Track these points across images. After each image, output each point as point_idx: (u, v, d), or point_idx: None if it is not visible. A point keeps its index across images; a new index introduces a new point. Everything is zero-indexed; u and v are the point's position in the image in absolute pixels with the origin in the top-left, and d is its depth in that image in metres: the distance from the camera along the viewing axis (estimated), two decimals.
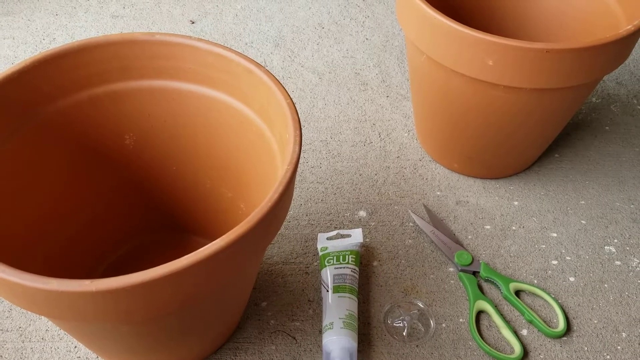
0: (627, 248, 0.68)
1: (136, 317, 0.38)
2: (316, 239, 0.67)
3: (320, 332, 0.59)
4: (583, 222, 0.71)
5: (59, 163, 0.53)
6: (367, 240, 0.67)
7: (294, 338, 0.59)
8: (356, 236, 0.64)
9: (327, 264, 0.61)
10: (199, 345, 0.53)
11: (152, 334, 0.46)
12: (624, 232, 0.70)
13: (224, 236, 0.37)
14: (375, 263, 0.65)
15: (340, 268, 0.61)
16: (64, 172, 0.54)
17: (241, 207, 0.57)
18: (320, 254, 0.63)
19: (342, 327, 0.55)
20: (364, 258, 0.66)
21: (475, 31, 0.55)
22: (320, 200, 0.72)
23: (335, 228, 0.69)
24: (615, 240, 0.69)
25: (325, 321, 0.57)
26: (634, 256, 0.67)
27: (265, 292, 0.62)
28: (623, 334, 0.60)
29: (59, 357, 0.56)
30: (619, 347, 0.59)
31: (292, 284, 0.63)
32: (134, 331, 0.45)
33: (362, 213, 0.70)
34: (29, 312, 0.59)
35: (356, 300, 0.59)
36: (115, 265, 0.62)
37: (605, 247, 0.68)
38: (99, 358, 0.56)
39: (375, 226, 0.69)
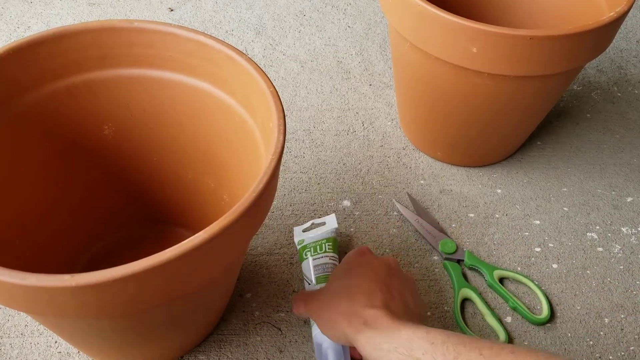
0: (609, 234, 0.69)
1: (118, 311, 0.37)
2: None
3: (306, 322, 0.58)
4: (565, 209, 0.71)
5: (36, 155, 0.51)
6: (352, 229, 0.67)
7: (279, 329, 0.58)
8: (330, 223, 0.63)
9: (305, 256, 0.60)
10: (182, 338, 0.52)
11: (134, 328, 0.45)
12: (605, 218, 0.70)
13: (207, 228, 0.36)
14: None
15: (319, 258, 0.59)
16: (41, 165, 0.52)
17: (224, 197, 0.57)
18: (298, 247, 0.62)
19: None
20: (349, 247, 0.65)
21: (460, 18, 0.55)
22: (303, 190, 0.71)
23: (320, 218, 0.68)
24: (597, 227, 0.69)
25: None
26: (616, 242, 0.68)
27: (249, 283, 0.62)
28: (605, 319, 0.61)
29: (39, 353, 0.55)
30: (601, 333, 0.60)
31: (277, 275, 0.62)
32: (116, 325, 0.44)
33: (346, 203, 0.70)
34: (7, 308, 0.58)
35: None
36: (94, 259, 0.60)
37: (588, 233, 0.69)
38: (80, 353, 0.55)
39: (359, 216, 0.69)
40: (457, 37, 0.56)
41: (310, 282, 0.58)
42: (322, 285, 0.57)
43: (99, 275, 0.33)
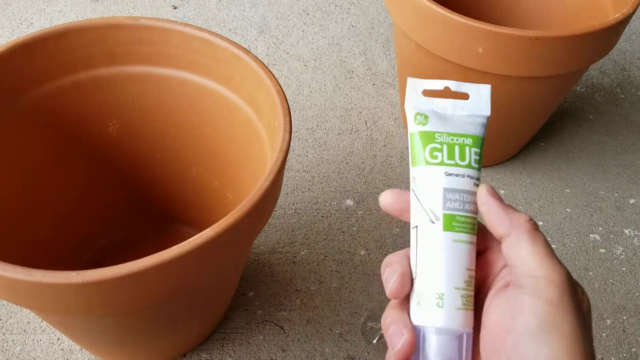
0: (612, 236, 0.69)
1: (123, 308, 0.37)
2: (303, 227, 0.66)
3: (309, 322, 0.58)
4: (568, 210, 0.71)
5: (41, 151, 0.51)
6: (354, 229, 0.67)
7: (282, 328, 0.58)
8: (480, 99, 0.32)
9: (430, 159, 0.31)
10: (185, 337, 0.52)
11: (139, 326, 0.45)
12: (608, 220, 0.70)
13: (213, 226, 0.36)
14: (362, 252, 0.65)
15: (458, 176, 0.30)
16: (46, 161, 0.52)
17: (228, 195, 0.57)
18: (414, 129, 0.32)
19: (459, 308, 0.29)
20: (351, 247, 0.65)
21: (466, 18, 0.55)
22: (306, 189, 0.71)
23: (322, 217, 0.68)
24: (600, 229, 0.69)
25: (427, 287, 0.30)
26: (618, 244, 0.68)
27: (252, 281, 0.61)
28: (608, 321, 0.61)
29: (42, 350, 0.55)
30: (603, 334, 0.60)
31: (279, 274, 0.62)
32: (120, 323, 0.44)
33: (349, 202, 0.70)
34: (10, 304, 0.58)
35: (475, 243, 0.31)
36: (98, 257, 0.60)
37: (590, 235, 0.69)
38: (83, 350, 0.55)
39: (362, 215, 0.68)
40: (463, 37, 0.56)
41: (433, 220, 0.30)
42: (456, 235, 0.30)
43: (105, 272, 0.33)
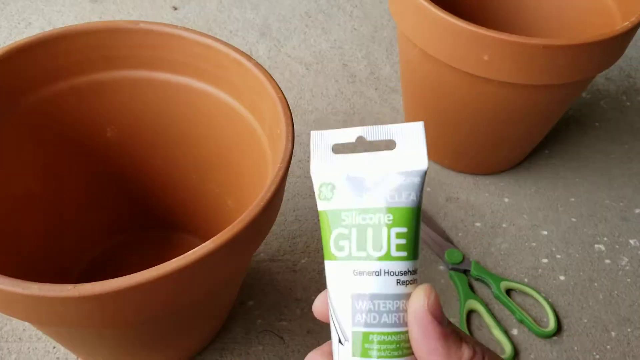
0: (617, 246, 0.68)
1: (120, 321, 0.36)
2: (304, 234, 0.65)
3: (309, 332, 0.57)
4: (573, 219, 0.70)
5: (37, 156, 0.50)
6: None
7: (282, 338, 0.57)
8: (409, 147, 0.23)
9: (336, 251, 0.24)
10: (183, 347, 0.51)
11: (136, 337, 0.44)
12: (613, 230, 0.69)
13: (214, 238, 0.35)
14: None
15: (371, 275, 0.23)
16: (42, 166, 0.51)
17: (228, 203, 0.56)
18: (319, 207, 0.25)
19: None
20: None
21: (472, 25, 0.54)
22: (307, 196, 0.70)
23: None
24: (605, 239, 0.68)
25: None
26: (623, 255, 0.67)
27: (251, 290, 0.60)
28: (612, 333, 0.60)
29: (37, 358, 0.54)
30: (608, 347, 0.59)
31: (280, 282, 0.61)
32: (117, 334, 0.43)
33: None
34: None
35: None
36: (96, 263, 0.59)
37: (595, 245, 0.68)
38: (79, 359, 0.54)
39: None
40: (468, 44, 0.55)
41: (342, 339, 0.23)
42: None
43: (103, 286, 0.32)
